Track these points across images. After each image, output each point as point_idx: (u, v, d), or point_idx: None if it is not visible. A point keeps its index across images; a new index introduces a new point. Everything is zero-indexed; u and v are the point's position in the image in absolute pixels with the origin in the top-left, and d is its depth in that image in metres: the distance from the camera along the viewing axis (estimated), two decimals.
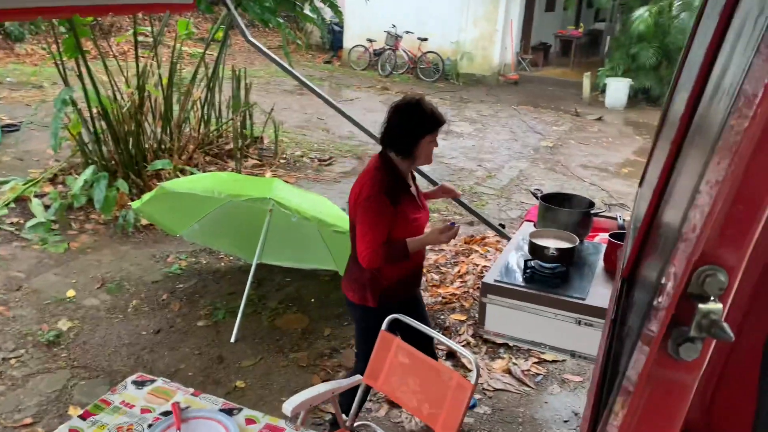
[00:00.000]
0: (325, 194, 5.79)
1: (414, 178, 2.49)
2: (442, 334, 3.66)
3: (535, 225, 2.87)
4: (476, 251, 4.74)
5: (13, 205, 5.01)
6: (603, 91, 11.32)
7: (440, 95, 11.39)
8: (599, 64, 12.53)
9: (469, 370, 3.31)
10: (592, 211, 2.67)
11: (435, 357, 2.65)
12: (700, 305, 0.56)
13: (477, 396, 3.16)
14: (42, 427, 2.82)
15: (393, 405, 3.05)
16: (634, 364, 0.59)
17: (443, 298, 4.05)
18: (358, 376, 2.36)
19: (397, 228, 2.28)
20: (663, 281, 0.56)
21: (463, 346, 3.56)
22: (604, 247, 2.66)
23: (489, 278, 2.44)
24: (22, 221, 4.82)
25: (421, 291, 2.78)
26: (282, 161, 6.79)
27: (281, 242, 4.12)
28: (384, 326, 2.30)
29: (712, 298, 0.57)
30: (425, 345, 2.46)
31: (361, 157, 7.26)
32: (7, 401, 2.99)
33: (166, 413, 1.85)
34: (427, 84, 12.59)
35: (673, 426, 0.58)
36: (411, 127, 2.22)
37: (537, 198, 2.79)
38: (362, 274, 2.38)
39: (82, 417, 1.83)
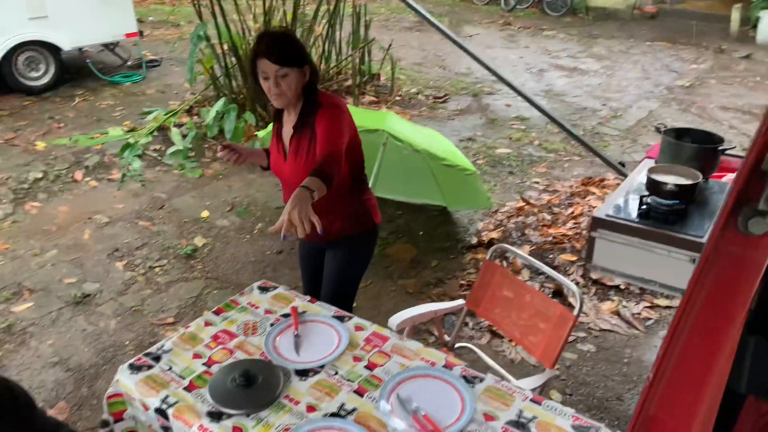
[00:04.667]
0: (438, 132, 5.81)
1: (304, 122, 2.16)
2: None
3: (656, 161, 2.74)
4: (593, 193, 4.58)
5: (156, 133, 5.54)
6: (755, 26, 10.09)
7: (567, 31, 10.76)
8: None
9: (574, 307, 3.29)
10: (720, 148, 2.49)
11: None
12: None
13: (582, 334, 3.15)
14: (182, 325, 3.22)
15: (495, 335, 3.13)
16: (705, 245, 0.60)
17: (554, 237, 4.00)
18: (461, 301, 2.46)
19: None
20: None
21: None
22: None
23: (600, 213, 2.39)
24: (163, 148, 5.32)
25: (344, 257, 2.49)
26: (398, 98, 6.85)
27: (393, 176, 4.22)
28: (488, 255, 2.38)
29: None
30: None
31: (477, 94, 7.13)
32: (153, 303, 3.43)
33: (285, 315, 2.06)
34: (554, 19, 11.89)
35: (741, 303, 0.59)
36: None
37: (660, 132, 2.64)
38: None
39: (216, 313, 2.08)
